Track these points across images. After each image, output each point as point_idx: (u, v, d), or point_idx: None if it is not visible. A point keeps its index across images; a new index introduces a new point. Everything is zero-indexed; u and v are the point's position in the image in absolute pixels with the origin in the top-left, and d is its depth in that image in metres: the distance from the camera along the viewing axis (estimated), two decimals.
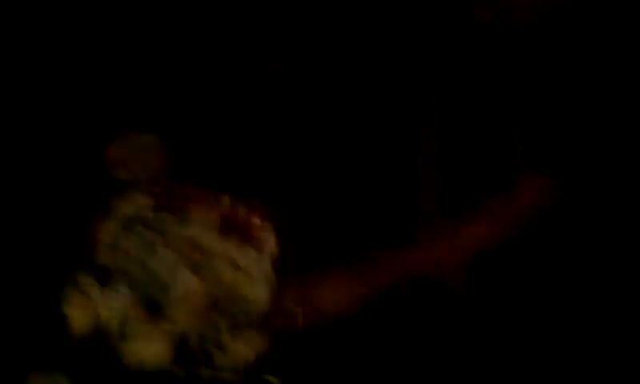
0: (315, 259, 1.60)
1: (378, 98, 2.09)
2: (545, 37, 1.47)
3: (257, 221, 1.64)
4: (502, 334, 1.57)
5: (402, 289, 1.51)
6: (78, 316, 1.46)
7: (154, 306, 1.47)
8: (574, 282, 1.59)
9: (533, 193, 1.48)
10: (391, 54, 2.14)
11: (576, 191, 1.48)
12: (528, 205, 1.48)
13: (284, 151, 1.91)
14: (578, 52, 1.43)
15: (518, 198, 1.48)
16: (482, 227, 1.49)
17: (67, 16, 2.10)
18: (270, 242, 1.62)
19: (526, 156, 1.51)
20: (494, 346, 1.55)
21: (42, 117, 1.95)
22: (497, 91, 1.61)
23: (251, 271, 1.56)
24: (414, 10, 2.16)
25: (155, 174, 1.81)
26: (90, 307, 1.47)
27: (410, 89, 1.97)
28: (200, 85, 2.09)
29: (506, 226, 1.50)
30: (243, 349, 1.47)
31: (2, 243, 1.65)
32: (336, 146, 1.93)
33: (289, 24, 2.24)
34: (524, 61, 1.54)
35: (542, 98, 1.50)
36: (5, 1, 2.06)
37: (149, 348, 1.42)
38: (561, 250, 1.60)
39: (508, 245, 1.51)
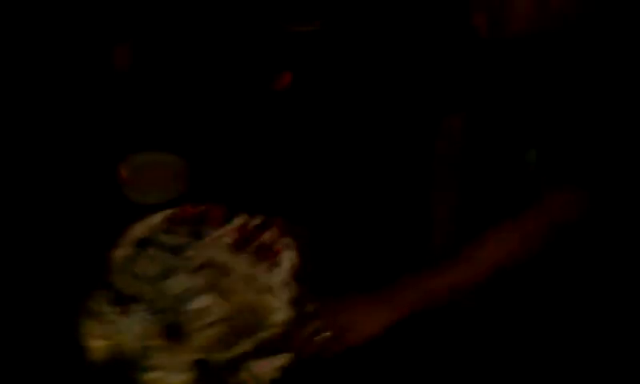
0: (333, 279, 1.60)
1: (393, 115, 2.08)
2: (545, 43, 1.44)
3: (274, 236, 1.63)
4: (521, 350, 1.54)
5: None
6: (97, 343, 1.45)
7: (174, 331, 1.45)
8: (600, 297, 1.55)
9: (561, 207, 1.44)
10: (401, 74, 2.14)
11: (605, 201, 1.43)
12: (556, 221, 1.45)
13: (297, 170, 1.91)
14: (581, 56, 1.40)
15: (545, 214, 1.45)
16: (504, 247, 1.46)
17: (83, 32, 2.11)
18: (288, 256, 1.61)
19: (546, 168, 1.47)
20: (511, 361, 1.53)
21: (59, 140, 1.95)
22: (507, 103, 1.58)
23: (270, 286, 1.54)
24: (417, 28, 2.16)
25: (174, 196, 1.79)
26: (109, 334, 1.45)
27: (423, 104, 1.96)
28: (214, 103, 2.09)
29: (533, 244, 1.46)
30: (267, 368, 1.45)
31: (20, 270, 1.64)
32: (352, 165, 1.93)
33: (300, 47, 2.24)
34: (528, 70, 1.51)
35: (554, 107, 1.46)
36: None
37: (170, 375, 1.41)
38: (588, 267, 1.56)
39: (533, 261, 1.48)
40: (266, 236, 1.63)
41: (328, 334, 1.46)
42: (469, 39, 1.49)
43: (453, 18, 1.65)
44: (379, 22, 2.29)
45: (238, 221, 1.66)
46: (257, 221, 1.65)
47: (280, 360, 1.45)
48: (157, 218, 1.66)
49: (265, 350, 1.46)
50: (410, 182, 1.85)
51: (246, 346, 1.45)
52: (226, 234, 1.63)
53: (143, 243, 1.61)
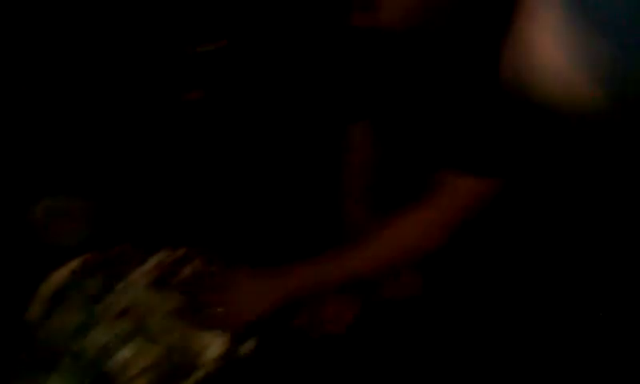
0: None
1: (299, 116, 2.07)
2: (429, 37, 1.41)
3: (196, 269, 1.56)
4: (463, 332, 1.52)
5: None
6: None
7: None
8: (523, 277, 1.54)
9: (459, 195, 1.42)
10: (305, 74, 2.12)
11: (510, 188, 1.42)
12: (456, 209, 1.43)
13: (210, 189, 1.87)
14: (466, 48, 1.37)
15: (443, 203, 1.43)
16: (396, 239, 1.46)
17: None
18: (215, 285, 1.54)
19: (444, 157, 1.44)
20: (455, 345, 1.51)
21: None
22: (404, 104, 1.55)
23: (196, 321, 1.48)
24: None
25: (85, 238, 1.72)
26: None
27: (325, 115, 1.94)
28: (122, 137, 2.02)
29: (432, 234, 1.45)
30: None
31: None
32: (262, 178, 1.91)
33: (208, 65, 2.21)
34: (415, 65, 1.48)
35: (447, 100, 1.43)
36: None
37: None
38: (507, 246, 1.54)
39: (455, 243, 1.45)
40: (188, 269, 1.56)
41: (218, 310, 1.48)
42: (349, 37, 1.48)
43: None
44: (275, 36, 2.26)
45: (156, 257, 1.59)
46: (176, 255, 1.58)
47: None
48: (71, 267, 1.57)
49: None
50: (320, 192, 1.84)
51: None
52: (146, 273, 1.55)
53: (59, 296, 1.52)
